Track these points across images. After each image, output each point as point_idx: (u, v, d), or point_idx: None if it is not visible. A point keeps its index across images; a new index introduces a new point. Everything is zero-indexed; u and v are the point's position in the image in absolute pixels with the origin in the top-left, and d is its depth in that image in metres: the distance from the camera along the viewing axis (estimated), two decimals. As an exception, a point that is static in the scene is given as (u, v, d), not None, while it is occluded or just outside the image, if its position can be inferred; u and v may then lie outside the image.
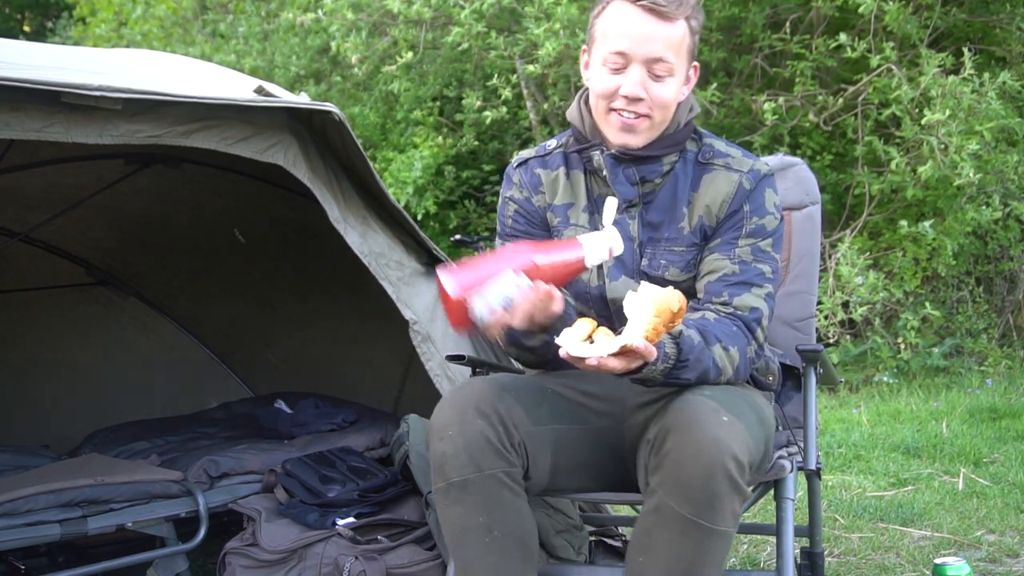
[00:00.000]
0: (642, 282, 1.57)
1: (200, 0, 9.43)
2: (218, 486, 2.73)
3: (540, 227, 1.93)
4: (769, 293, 1.82)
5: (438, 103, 7.67)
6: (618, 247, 1.62)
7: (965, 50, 5.11)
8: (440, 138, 7.03)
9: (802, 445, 1.96)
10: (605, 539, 2.62)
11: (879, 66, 5.34)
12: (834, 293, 5.37)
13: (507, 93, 6.14)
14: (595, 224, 1.87)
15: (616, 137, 1.81)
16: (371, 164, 2.37)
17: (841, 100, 5.68)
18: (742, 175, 1.84)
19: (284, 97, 2.27)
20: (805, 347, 1.98)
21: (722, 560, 1.59)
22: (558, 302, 1.63)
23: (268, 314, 3.96)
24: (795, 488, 1.87)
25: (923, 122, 5.03)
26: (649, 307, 1.49)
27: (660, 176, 1.85)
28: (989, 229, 5.80)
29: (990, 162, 5.29)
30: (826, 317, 5.42)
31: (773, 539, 2.78)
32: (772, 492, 1.89)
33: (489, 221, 7.34)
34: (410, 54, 6.39)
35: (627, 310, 1.52)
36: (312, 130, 2.34)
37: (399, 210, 2.47)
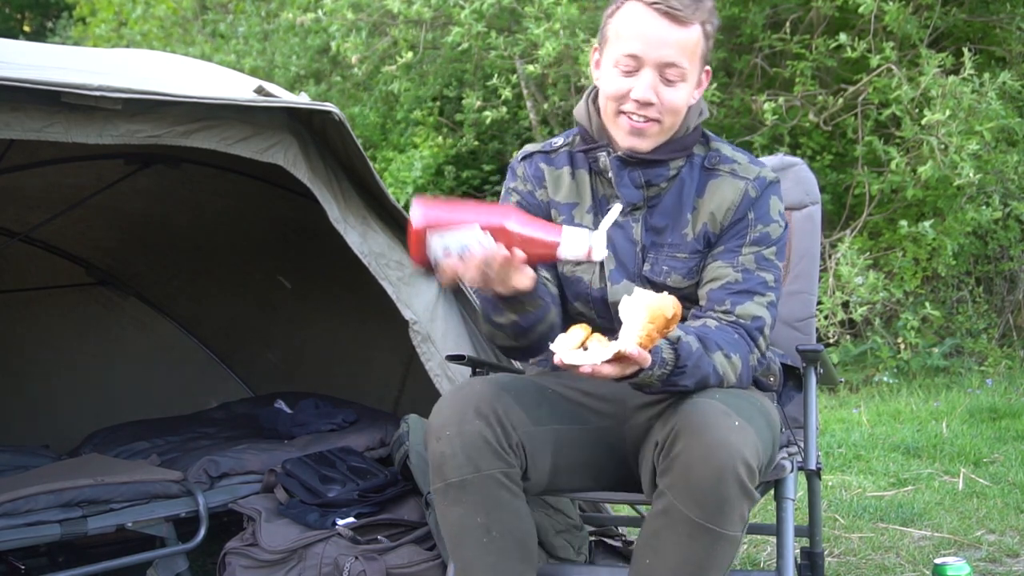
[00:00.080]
0: (635, 288, 1.55)
1: (200, 0, 9.43)
2: (218, 486, 2.73)
3: None
4: (771, 302, 1.80)
5: (438, 103, 7.68)
6: (599, 252, 1.57)
7: (965, 50, 5.11)
8: (440, 138, 7.03)
9: (802, 445, 1.96)
10: (605, 539, 2.62)
11: (879, 66, 5.34)
12: (834, 293, 5.37)
13: (507, 93, 6.15)
14: (597, 226, 1.86)
15: (624, 140, 1.80)
16: (371, 164, 2.37)
17: (841, 100, 5.68)
18: (748, 182, 1.83)
19: (284, 97, 2.27)
20: (805, 347, 1.97)
21: (729, 564, 1.59)
22: (525, 278, 1.59)
23: (268, 314, 3.96)
24: (795, 488, 1.87)
25: (923, 122, 5.03)
26: (643, 313, 1.48)
27: (666, 180, 1.84)
28: (989, 229, 5.80)
29: (990, 162, 5.30)
30: (826, 317, 5.42)
31: (773, 539, 2.78)
32: (772, 492, 1.89)
33: (489, 221, 7.32)
34: (410, 54, 6.40)
35: (622, 314, 1.51)
36: (312, 130, 2.34)
37: (399, 210, 2.47)
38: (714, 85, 5.67)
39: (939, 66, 5.14)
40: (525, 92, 7.01)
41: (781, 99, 5.68)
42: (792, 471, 1.85)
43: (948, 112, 4.93)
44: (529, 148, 1.97)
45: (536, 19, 5.83)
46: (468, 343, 2.53)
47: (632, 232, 1.84)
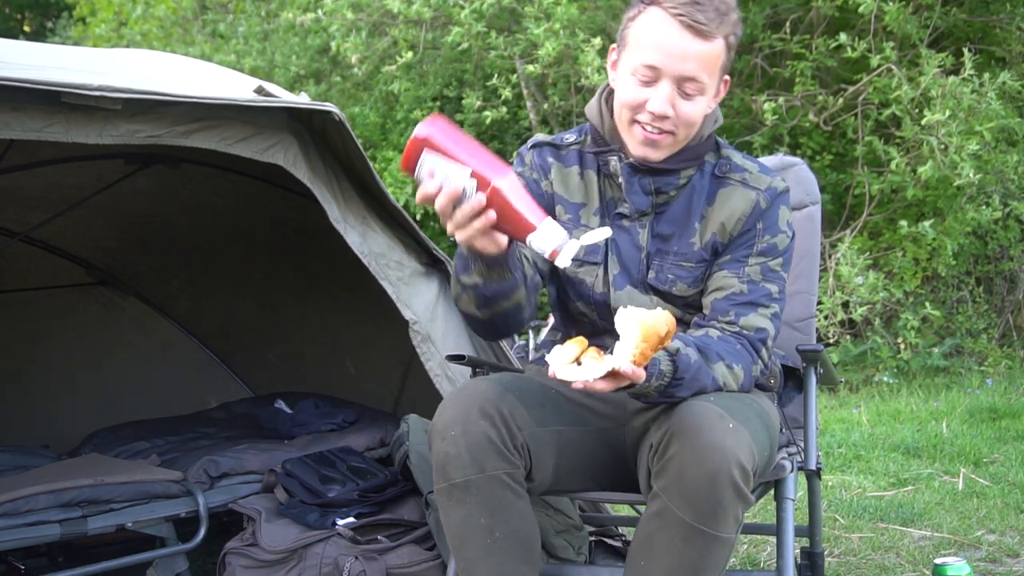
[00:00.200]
0: (628, 306, 1.53)
1: (200, 0, 9.43)
2: (218, 486, 2.73)
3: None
4: (775, 313, 1.80)
5: (438, 103, 7.67)
6: (564, 260, 1.51)
7: (965, 50, 5.12)
8: (440, 138, 7.02)
9: (802, 445, 1.96)
10: (605, 539, 2.62)
11: (879, 66, 5.35)
12: (834, 293, 5.38)
13: (507, 93, 6.15)
14: (597, 229, 1.85)
15: (637, 149, 1.78)
16: (371, 164, 2.37)
17: (841, 100, 5.69)
18: (759, 193, 1.81)
19: (284, 97, 2.27)
20: (805, 347, 1.97)
21: (724, 565, 1.59)
22: (491, 242, 1.54)
23: (268, 314, 3.96)
24: (795, 488, 1.87)
25: (923, 122, 5.03)
26: (636, 330, 1.47)
27: (676, 188, 1.83)
28: (989, 229, 5.81)
29: (990, 162, 5.30)
30: (826, 317, 5.42)
31: (773, 539, 2.78)
32: (772, 492, 1.89)
33: (489, 221, 7.32)
34: (410, 54, 6.40)
35: (618, 327, 1.51)
36: (312, 130, 2.34)
37: (399, 210, 2.47)
38: (714, 85, 5.67)
39: (939, 66, 5.15)
40: (525, 92, 7.01)
41: (781, 99, 5.68)
42: (792, 471, 1.85)
43: (948, 112, 4.93)
44: (540, 138, 1.94)
45: (536, 19, 5.83)
46: (468, 343, 2.53)
47: (638, 238, 1.84)
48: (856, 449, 3.99)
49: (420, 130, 1.52)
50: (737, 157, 1.87)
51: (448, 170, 1.50)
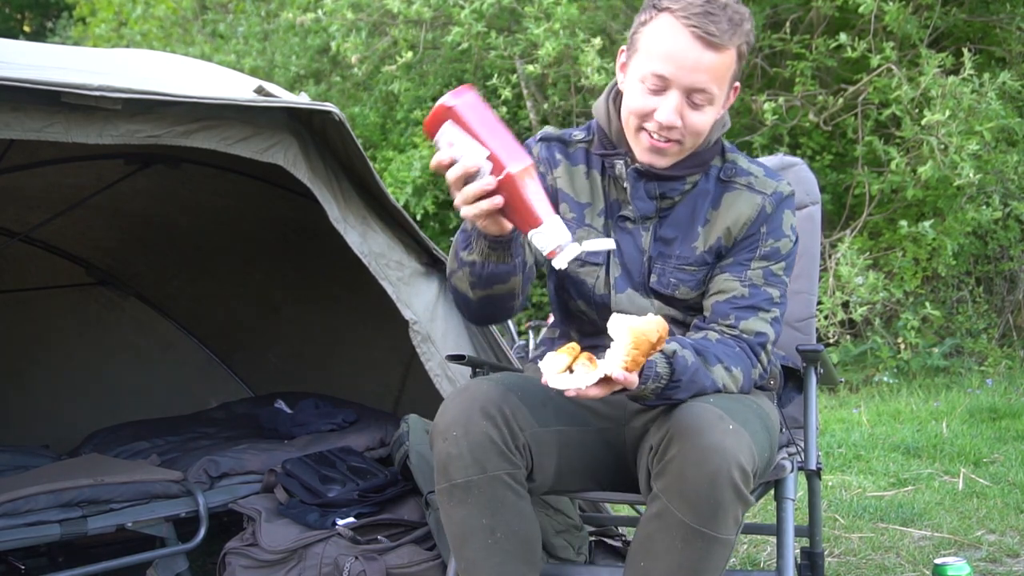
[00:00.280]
0: (627, 309, 1.53)
1: (200, 0, 9.43)
2: (218, 486, 2.73)
3: None
4: (776, 318, 1.79)
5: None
6: (560, 262, 1.50)
7: (965, 50, 5.12)
8: (440, 138, 7.02)
9: (802, 445, 1.96)
10: (605, 539, 2.62)
11: (879, 66, 5.35)
12: (834, 293, 5.38)
13: (507, 93, 6.15)
14: (608, 229, 1.84)
15: (643, 156, 1.77)
16: (371, 164, 2.37)
17: (841, 100, 5.69)
18: (765, 198, 1.81)
19: (284, 97, 2.27)
20: (805, 347, 1.97)
21: (724, 566, 1.59)
22: (494, 224, 1.54)
23: (268, 314, 3.96)
24: (795, 488, 1.87)
25: (923, 122, 5.03)
26: (627, 337, 1.47)
27: (680, 193, 1.82)
28: (989, 229, 5.81)
29: (990, 162, 5.30)
30: (826, 317, 5.42)
31: (773, 539, 2.78)
32: (772, 492, 1.89)
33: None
34: (410, 54, 6.40)
35: (611, 332, 1.51)
36: (312, 130, 2.34)
37: (399, 210, 2.46)
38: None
39: (939, 66, 5.15)
40: (525, 92, 7.01)
41: (781, 99, 5.69)
42: (792, 471, 1.85)
43: (948, 112, 4.93)
44: (549, 131, 1.93)
45: (536, 19, 5.84)
46: (468, 343, 2.53)
47: (641, 241, 1.83)
48: (856, 449, 3.99)
49: (448, 99, 1.51)
50: (743, 161, 1.86)
51: (466, 146, 1.49)
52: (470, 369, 2.14)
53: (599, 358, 1.49)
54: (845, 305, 5.41)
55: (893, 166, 5.29)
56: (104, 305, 4.03)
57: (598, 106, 1.87)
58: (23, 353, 3.78)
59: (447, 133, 1.51)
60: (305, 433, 3.15)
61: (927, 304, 5.48)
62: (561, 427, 1.76)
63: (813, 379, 2.01)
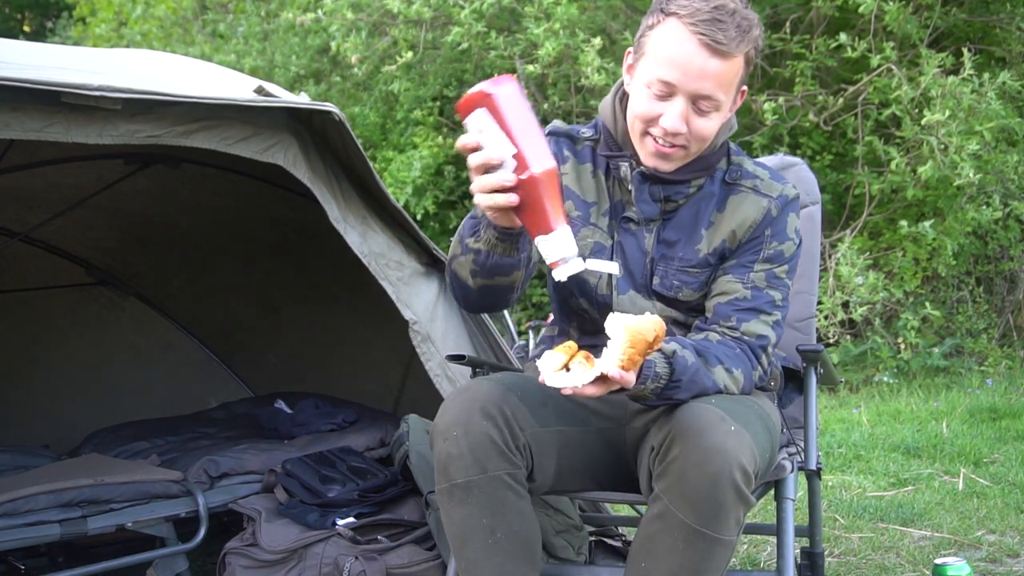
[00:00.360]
0: (615, 313, 1.53)
1: (200, 0, 9.43)
2: (218, 486, 2.73)
3: None
4: (777, 321, 1.79)
5: (438, 103, 7.67)
6: (560, 275, 1.50)
7: (965, 50, 5.12)
8: (440, 138, 7.03)
9: (802, 445, 1.96)
10: (605, 539, 2.62)
11: (879, 66, 5.35)
12: (834, 293, 5.38)
13: (507, 93, 6.13)
14: (612, 230, 1.84)
15: (648, 160, 1.76)
16: (371, 164, 2.37)
17: (841, 100, 5.69)
18: (771, 200, 1.80)
19: (284, 97, 2.27)
20: (805, 347, 1.97)
21: (725, 567, 1.59)
22: (509, 219, 1.54)
23: (268, 314, 3.96)
24: (795, 488, 1.87)
25: (923, 122, 5.03)
26: (623, 336, 1.47)
27: (685, 196, 1.82)
28: (989, 229, 5.80)
29: (990, 162, 5.30)
30: (826, 317, 5.42)
31: (773, 539, 2.79)
32: (772, 492, 1.89)
33: (489, 221, 7.32)
34: (410, 54, 6.40)
35: (608, 331, 1.51)
36: (312, 130, 2.34)
37: (399, 210, 2.47)
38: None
39: (939, 66, 5.15)
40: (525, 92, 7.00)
41: (781, 99, 5.69)
42: (792, 471, 1.85)
43: (948, 112, 4.93)
44: (558, 127, 1.92)
45: (536, 19, 5.83)
46: (468, 343, 2.53)
47: (644, 243, 1.83)
48: (856, 449, 3.99)
49: (487, 86, 1.50)
50: (748, 163, 1.86)
51: (495, 137, 1.48)
52: (470, 369, 2.14)
53: (597, 357, 1.49)
54: (845, 305, 5.41)
55: (893, 166, 5.29)
56: (104, 305, 4.03)
57: (604, 106, 1.86)
58: (23, 353, 3.78)
59: (479, 119, 1.50)
60: (305, 433, 3.15)
61: (927, 304, 5.48)
62: (561, 427, 1.76)
63: (813, 379, 2.01)
